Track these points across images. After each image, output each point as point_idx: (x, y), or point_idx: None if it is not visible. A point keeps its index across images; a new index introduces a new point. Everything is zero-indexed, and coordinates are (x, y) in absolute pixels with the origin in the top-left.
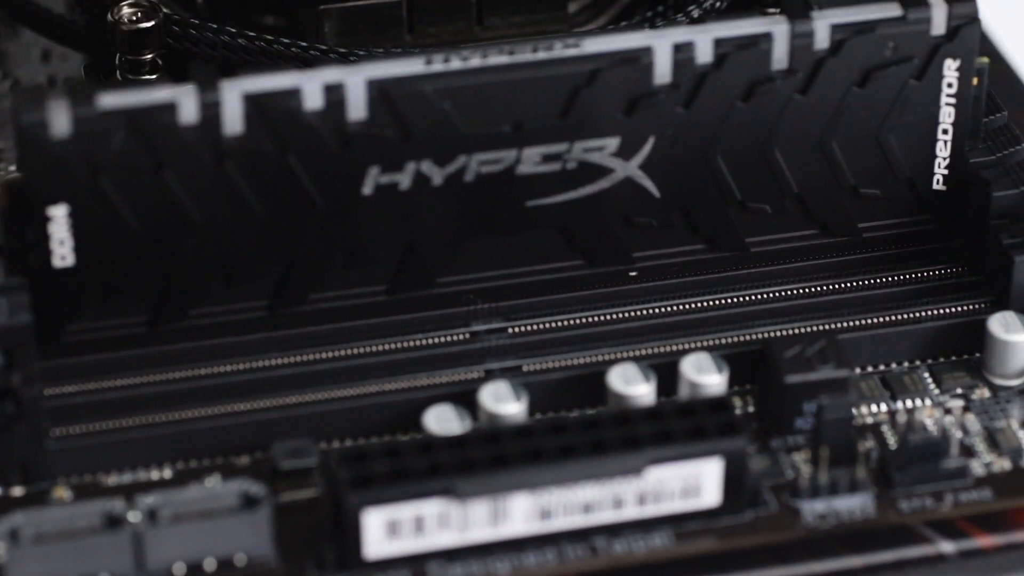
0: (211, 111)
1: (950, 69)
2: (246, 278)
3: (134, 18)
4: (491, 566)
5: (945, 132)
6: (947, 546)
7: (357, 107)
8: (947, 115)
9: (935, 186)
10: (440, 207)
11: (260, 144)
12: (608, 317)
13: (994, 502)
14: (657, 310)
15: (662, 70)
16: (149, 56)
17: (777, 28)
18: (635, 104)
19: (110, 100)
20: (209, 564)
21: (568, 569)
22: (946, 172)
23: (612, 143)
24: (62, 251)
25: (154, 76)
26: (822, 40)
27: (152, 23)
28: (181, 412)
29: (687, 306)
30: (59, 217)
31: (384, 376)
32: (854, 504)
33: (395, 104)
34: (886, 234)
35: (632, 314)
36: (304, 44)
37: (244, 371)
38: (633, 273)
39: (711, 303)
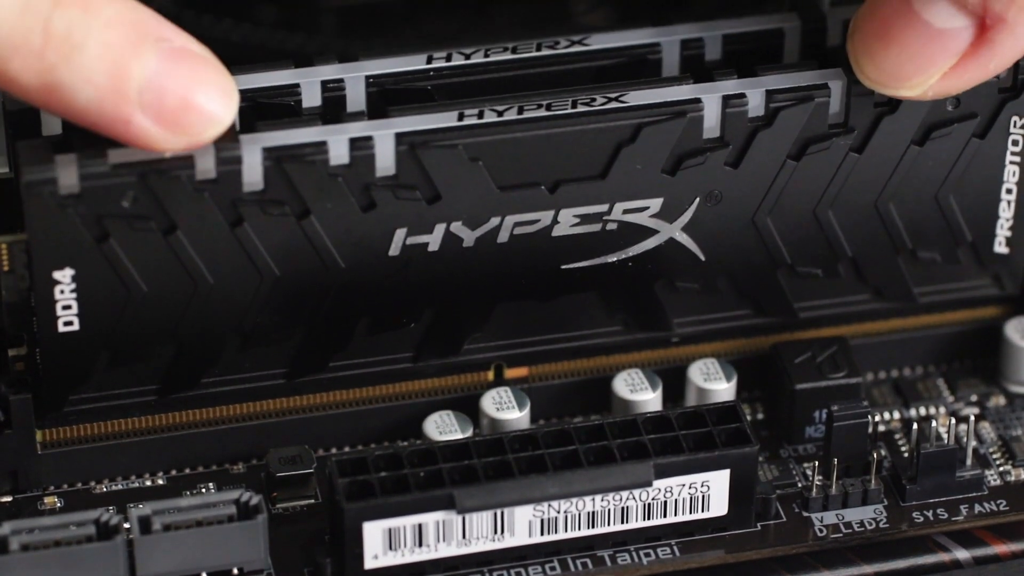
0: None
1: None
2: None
3: None
4: None
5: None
6: (962, 553)
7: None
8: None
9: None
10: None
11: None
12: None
13: (1010, 513)
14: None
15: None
16: None
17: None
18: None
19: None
20: (203, 574)
21: None
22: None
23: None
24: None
25: None
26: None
27: None
28: (175, 418)
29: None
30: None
31: (384, 381)
32: (866, 515)
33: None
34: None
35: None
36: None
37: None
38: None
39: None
